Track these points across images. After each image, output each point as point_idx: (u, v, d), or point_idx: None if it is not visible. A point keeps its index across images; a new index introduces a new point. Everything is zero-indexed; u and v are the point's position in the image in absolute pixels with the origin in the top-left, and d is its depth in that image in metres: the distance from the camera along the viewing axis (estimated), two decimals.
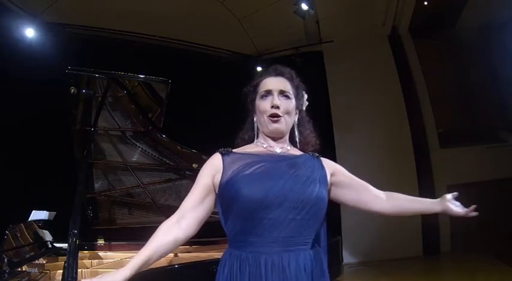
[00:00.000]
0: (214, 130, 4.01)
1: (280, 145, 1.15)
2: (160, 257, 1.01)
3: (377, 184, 1.19)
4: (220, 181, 1.05)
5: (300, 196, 1.02)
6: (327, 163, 1.16)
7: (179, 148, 2.72)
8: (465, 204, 1.09)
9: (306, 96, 1.24)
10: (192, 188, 1.08)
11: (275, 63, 1.24)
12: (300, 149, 1.19)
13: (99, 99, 2.43)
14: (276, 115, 1.11)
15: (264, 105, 1.13)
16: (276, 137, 1.14)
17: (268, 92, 1.14)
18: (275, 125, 1.11)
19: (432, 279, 4.48)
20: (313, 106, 1.25)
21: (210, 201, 1.07)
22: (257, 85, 1.18)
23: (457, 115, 6.07)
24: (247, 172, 1.04)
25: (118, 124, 2.67)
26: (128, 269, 0.93)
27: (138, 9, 4.72)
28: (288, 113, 1.13)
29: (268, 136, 1.15)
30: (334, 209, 2.34)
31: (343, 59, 5.77)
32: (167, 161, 2.79)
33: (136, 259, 0.95)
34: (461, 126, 6.01)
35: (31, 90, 3.79)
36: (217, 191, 1.06)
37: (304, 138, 1.21)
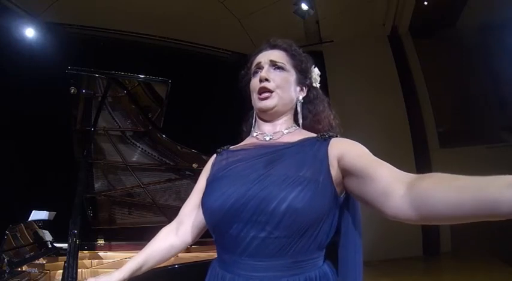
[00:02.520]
0: (214, 130, 4.00)
1: (275, 129, 0.95)
2: (158, 262, 0.99)
3: None
4: None
5: (265, 206, 0.75)
6: (335, 145, 0.84)
7: (179, 148, 2.72)
8: None
9: (316, 71, 1.04)
10: (191, 192, 1.02)
11: None
12: (313, 130, 0.96)
13: (99, 99, 2.43)
14: (265, 90, 0.93)
15: (254, 81, 0.97)
16: (269, 120, 0.96)
17: (259, 67, 0.97)
18: (263, 103, 0.93)
19: (432, 279, 4.48)
20: None
21: None
22: (250, 64, 1.03)
23: (457, 115, 6.07)
24: (219, 175, 0.89)
25: (118, 124, 2.67)
26: (123, 272, 0.92)
27: (138, 9, 4.72)
28: (282, 87, 0.94)
29: (261, 119, 0.97)
30: None
31: (343, 59, 5.77)
32: (167, 161, 2.78)
33: (131, 263, 0.95)
34: (461, 126, 6.01)
35: (31, 90, 3.79)
36: None
37: (314, 116, 0.99)
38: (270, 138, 0.93)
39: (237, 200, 0.79)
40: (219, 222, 0.82)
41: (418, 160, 5.55)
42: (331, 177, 0.80)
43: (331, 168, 0.81)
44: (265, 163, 0.84)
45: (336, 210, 0.82)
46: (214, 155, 1.02)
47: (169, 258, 1.02)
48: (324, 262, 0.85)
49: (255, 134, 0.97)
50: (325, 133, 0.88)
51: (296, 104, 0.99)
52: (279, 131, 0.94)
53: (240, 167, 0.86)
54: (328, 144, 0.84)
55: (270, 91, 0.93)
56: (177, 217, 1.02)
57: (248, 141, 0.99)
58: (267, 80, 0.93)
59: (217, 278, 0.85)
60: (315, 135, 0.90)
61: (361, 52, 5.77)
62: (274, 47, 1.01)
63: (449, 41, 6.02)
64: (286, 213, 0.74)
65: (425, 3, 5.67)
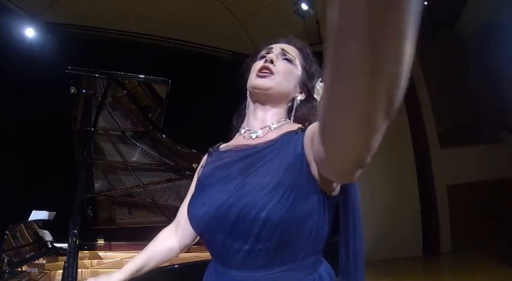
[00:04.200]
0: (214, 130, 4.00)
1: (264, 124, 0.88)
2: (158, 264, 1.00)
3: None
4: None
5: (244, 216, 0.71)
6: (309, 131, 0.76)
7: (179, 147, 2.72)
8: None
9: (321, 84, 0.96)
10: (187, 194, 1.00)
11: None
12: (302, 121, 0.88)
13: (99, 99, 2.43)
14: (266, 69, 0.87)
15: (257, 62, 0.91)
16: (261, 103, 0.89)
17: (269, 52, 0.93)
18: (260, 80, 0.87)
19: (432, 279, 4.48)
20: None
21: None
22: (259, 53, 0.98)
23: (457, 115, 6.08)
24: (204, 181, 0.87)
25: (118, 124, 2.67)
26: (123, 273, 0.94)
27: (138, 9, 4.72)
28: (284, 75, 0.88)
29: (253, 101, 0.91)
30: None
31: None
32: (167, 161, 2.79)
33: (131, 264, 0.96)
34: (461, 126, 6.01)
35: (31, 90, 3.79)
36: None
37: (307, 110, 0.93)
38: (256, 136, 0.87)
39: (219, 209, 0.76)
40: (204, 230, 0.81)
41: (418, 159, 5.55)
42: (313, 176, 0.72)
43: (310, 166, 0.72)
44: (244, 169, 0.79)
45: (328, 211, 0.77)
46: (206, 156, 0.99)
47: (169, 260, 1.03)
48: (321, 264, 0.82)
49: (242, 131, 0.92)
50: (307, 123, 0.79)
51: (292, 102, 0.93)
52: (266, 126, 0.88)
53: (222, 174, 0.83)
54: (303, 136, 0.76)
55: (271, 73, 0.88)
56: (175, 219, 1.03)
57: (235, 140, 0.94)
58: (272, 62, 0.88)
59: None
60: (292, 130, 0.81)
61: None
62: (289, 42, 0.98)
63: (449, 41, 6.02)
64: (265, 224, 0.70)
65: (425, 3, 5.66)
